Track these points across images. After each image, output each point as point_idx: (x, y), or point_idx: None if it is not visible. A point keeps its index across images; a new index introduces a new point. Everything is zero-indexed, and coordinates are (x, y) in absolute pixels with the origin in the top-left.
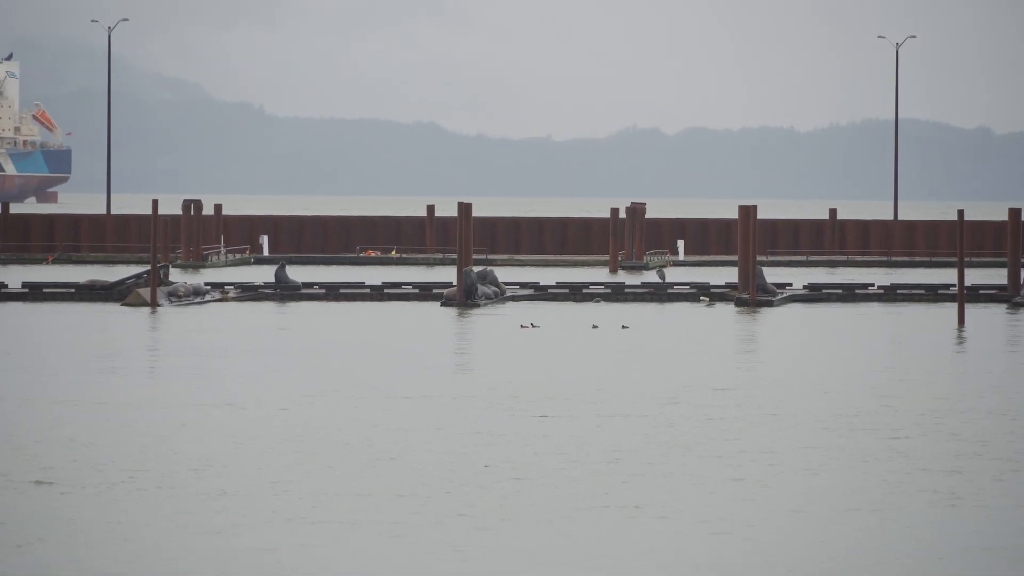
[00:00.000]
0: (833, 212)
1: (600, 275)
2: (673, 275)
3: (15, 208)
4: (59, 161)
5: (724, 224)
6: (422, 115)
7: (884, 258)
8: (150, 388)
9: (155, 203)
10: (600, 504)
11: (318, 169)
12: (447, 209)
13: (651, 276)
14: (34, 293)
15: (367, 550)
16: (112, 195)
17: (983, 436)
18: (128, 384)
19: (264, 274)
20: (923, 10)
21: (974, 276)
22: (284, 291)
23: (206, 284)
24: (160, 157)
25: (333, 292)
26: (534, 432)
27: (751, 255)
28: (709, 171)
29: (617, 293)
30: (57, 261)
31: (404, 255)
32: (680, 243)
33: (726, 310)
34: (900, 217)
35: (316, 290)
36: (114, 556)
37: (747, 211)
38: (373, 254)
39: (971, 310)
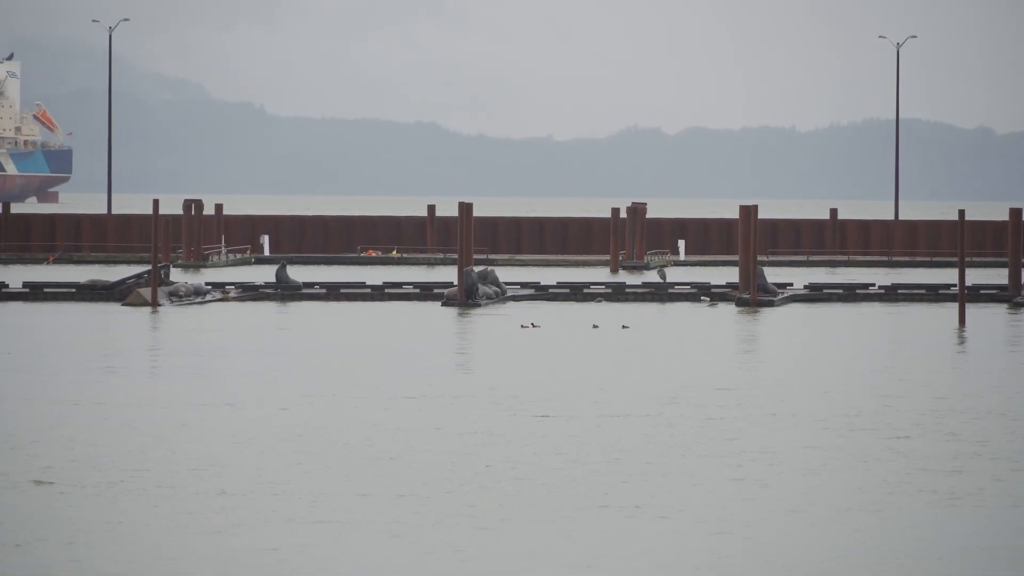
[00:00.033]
0: (834, 212)
1: (601, 275)
2: (674, 275)
3: (16, 208)
4: (60, 161)
5: (725, 224)
6: (422, 115)
7: (885, 258)
8: (150, 388)
9: (156, 203)
10: (600, 504)
11: (318, 169)
12: (448, 209)
13: (652, 276)
14: (35, 293)
15: (367, 550)
16: (113, 195)
17: (983, 436)
18: (128, 384)
19: (265, 274)
20: (923, 10)
21: (975, 276)
22: (285, 291)
23: (207, 284)
24: (160, 157)
25: (334, 292)
26: (534, 432)
27: (752, 255)
28: (709, 171)
29: (618, 293)
30: (58, 261)
31: (405, 255)
32: (681, 243)
33: (727, 310)
34: (901, 217)
35: (317, 290)
36: (114, 556)
37: (748, 211)
38: (374, 254)
39: (972, 310)
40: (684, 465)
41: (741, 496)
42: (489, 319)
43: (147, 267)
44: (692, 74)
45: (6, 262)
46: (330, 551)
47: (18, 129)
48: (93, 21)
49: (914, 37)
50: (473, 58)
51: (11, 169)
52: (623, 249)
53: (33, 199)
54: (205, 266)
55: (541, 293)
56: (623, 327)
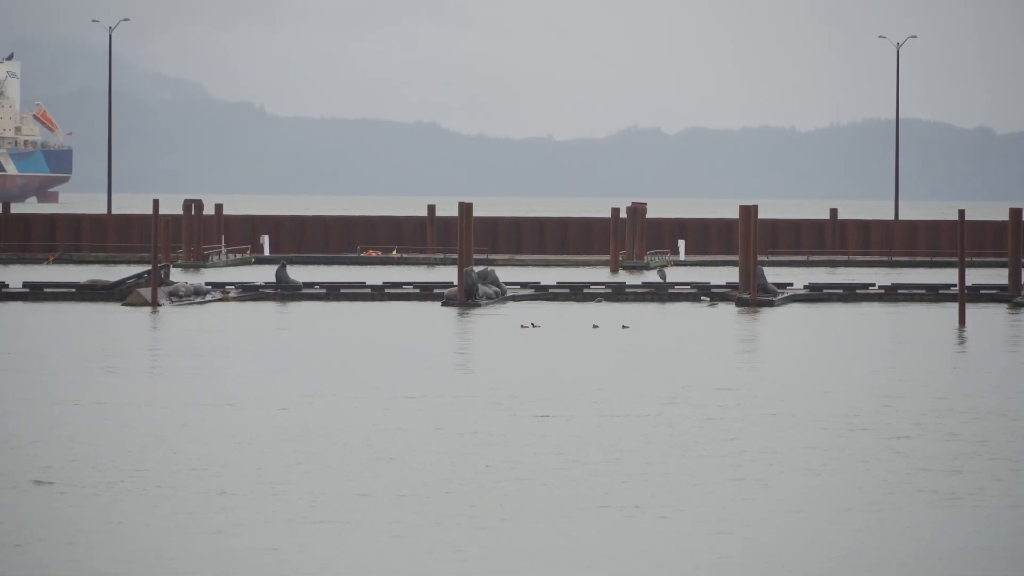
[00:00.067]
0: (834, 212)
1: (601, 275)
2: (674, 275)
3: (16, 208)
4: (60, 161)
5: (725, 224)
6: (422, 115)
7: (885, 258)
8: (150, 388)
9: (156, 203)
10: (600, 504)
11: (318, 169)
12: (448, 209)
13: (652, 276)
14: (35, 293)
15: (367, 550)
16: (113, 195)
17: (983, 436)
18: (128, 384)
19: (265, 274)
20: (923, 10)
21: (975, 276)
22: (285, 291)
23: (207, 284)
24: (160, 157)
25: (334, 292)
26: (534, 432)
27: (752, 255)
28: (710, 171)
29: (618, 293)
30: (58, 261)
31: (405, 255)
32: (681, 243)
33: (727, 310)
34: (901, 217)
35: (317, 290)
36: (114, 556)
37: (748, 211)
38: (374, 254)
39: (972, 310)
40: (684, 465)
41: (741, 496)
42: (489, 319)
43: (147, 267)
44: (692, 74)
45: (6, 262)
46: (330, 551)
47: (18, 129)
48: (93, 21)
49: (914, 37)
50: (473, 58)
51: (11, 169)
52: (623, 249)
53: (33, 199)
54: (205, 266)
55: (541, 293)
56: (623, 327)
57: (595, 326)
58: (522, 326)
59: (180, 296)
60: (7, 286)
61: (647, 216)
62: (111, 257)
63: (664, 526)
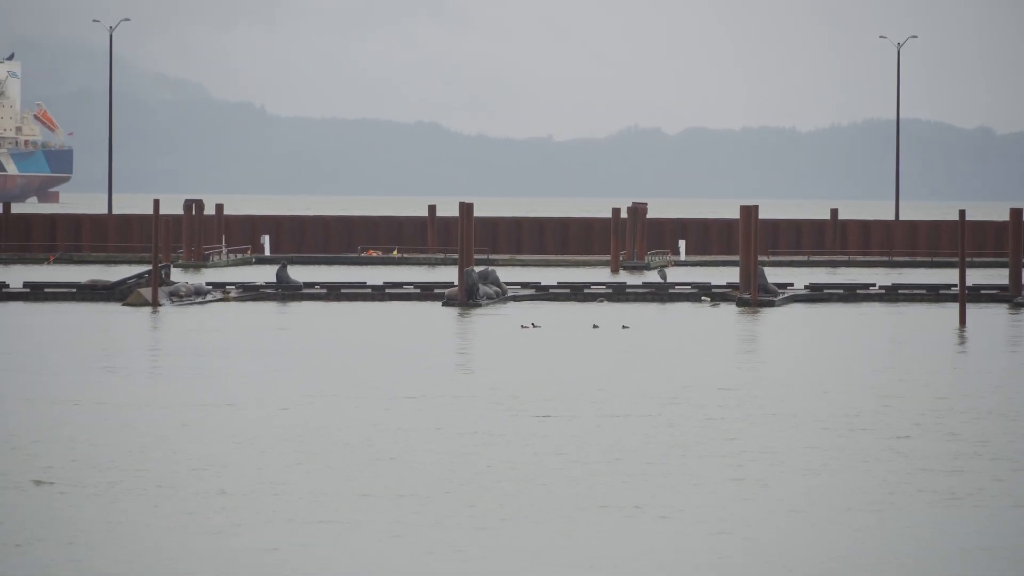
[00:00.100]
0: (834, 212)
1: (601, 275)
2: (674, 275)
3: (17, 208)
4: (60, 161)
5: (725, 224)
6: (422, 115)
7: (885, 258)
8: (150, 388)
9: (156, 203)
10: (600, 504)
11: (319, 169)
12: (448, 209)
13: (652, 276)
14: (35, 293)
15: (367, 550)
16: (113, 195)
17: (983, 436)
18: (128, 384)
19: (265, 274)
20: (924, 10)
21: (975, 276)
22: (285, 291)
23: (207, 284)
24: (161, 157)
25: (334, 292)
26: (534, 432)
27: (752, 255)
28: (710, 171)
29: (618, 293)
30: (58, 261)
31: (405, 255)
32: (681, 243)
33: (727, 310)
34: (901, 217)
35: (317, 290)
36: (114, 556)
37: (748, 211)
38: (374, 254)
39: (972, 310)
40: (684, 465)
41: (741, 496)
42: (490, 319)
43: (148, 267)
44: (692, 74)
45: (7, 262)
46: (330, 551)
47: (19, 129)
48: (93, 21)
49: (914, 37)
50: (473, 58)
51: (12, 169)
52: (623, 249)
53: (34, 199)
54: (206, 266)
55: (542, 293)
56: (623, 327)
57: (595, 326)
58: (522, 326)
59: (181, 296)
60: (8, 286)
61: (647, 216)
62: (112, 257)
63: (664, 526)
